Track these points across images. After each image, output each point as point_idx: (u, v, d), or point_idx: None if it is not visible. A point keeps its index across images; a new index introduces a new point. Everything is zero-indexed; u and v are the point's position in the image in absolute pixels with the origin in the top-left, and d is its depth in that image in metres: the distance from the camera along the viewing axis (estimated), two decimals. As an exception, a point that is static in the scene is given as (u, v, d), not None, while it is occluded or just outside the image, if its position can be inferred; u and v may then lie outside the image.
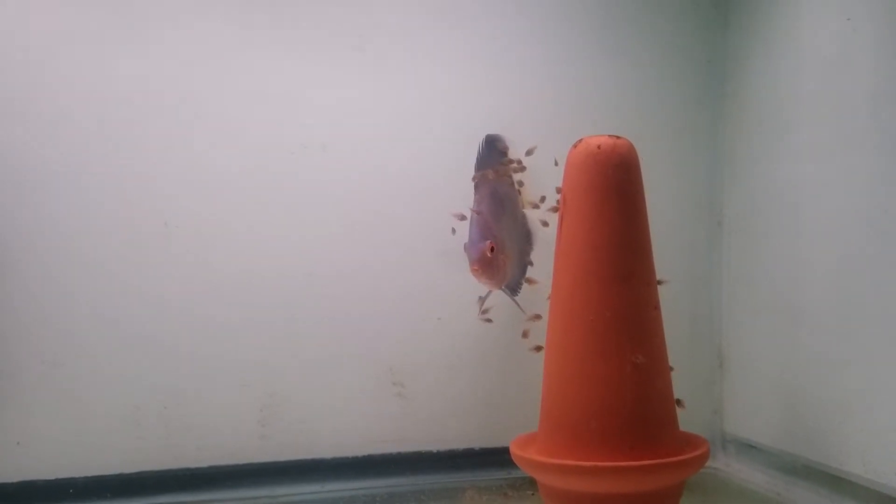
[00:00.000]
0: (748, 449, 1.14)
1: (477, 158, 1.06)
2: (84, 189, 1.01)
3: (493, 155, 1.08)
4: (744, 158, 1.17)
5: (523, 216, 1.10)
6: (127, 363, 1.02)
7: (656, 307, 0.92)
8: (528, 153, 1.09)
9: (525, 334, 1.04)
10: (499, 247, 0.99)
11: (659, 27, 1.21)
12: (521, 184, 1.10)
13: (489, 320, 1.06)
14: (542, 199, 1.08)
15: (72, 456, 1.00)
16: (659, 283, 0.94)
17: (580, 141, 0.93)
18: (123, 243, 1.02)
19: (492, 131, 1.09)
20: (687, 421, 1.09)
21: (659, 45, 1.21)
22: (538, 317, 1.02)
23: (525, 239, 1.10)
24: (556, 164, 0.95)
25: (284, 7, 1.08)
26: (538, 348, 0.98)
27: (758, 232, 1.13)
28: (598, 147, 0.91)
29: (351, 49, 1.10)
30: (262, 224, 1.07)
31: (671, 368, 0.97)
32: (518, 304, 1.06)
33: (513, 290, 1.07)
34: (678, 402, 0.95)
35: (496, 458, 1.09)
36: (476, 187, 1.04)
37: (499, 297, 1.06)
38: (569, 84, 1.18)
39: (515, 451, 0.93)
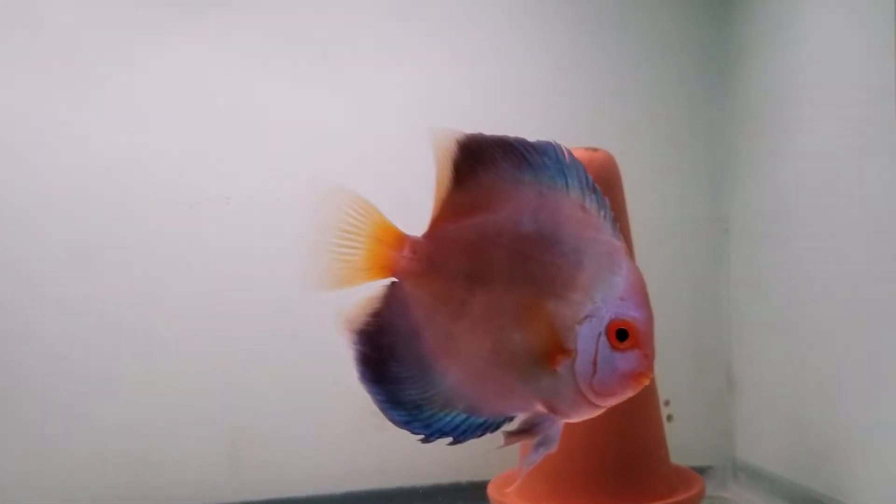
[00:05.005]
0: (760, 477, 1.05)
1: None
2: (42, 224, 0.98)
3: None
4: (750, 161, 1.08)
5: None
6: (90, 400, 0.98)
7: (641, 334, 0.84)
8: None
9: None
10: None
11: (659, 26, 1.14)
12: None
13: None
14: None
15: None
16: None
17: (553, 154, 0.85)
18: (80, 279, 0.98)
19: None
20: (695, 446, 1.02)
21: (659, 44, 1.14)
22: None
23: None
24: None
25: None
26: None
27: (768, 241, 1.04)
28: (572, 160, 0.83)
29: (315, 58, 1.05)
30: (234, 246, 1.01)
31: (667, 402, 0.89)
32: None
33: None
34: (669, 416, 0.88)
35: (484, 491, 1.02)
36: None
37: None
38: (561, 88, 1.11)
39: (493, 494, 0.87)
